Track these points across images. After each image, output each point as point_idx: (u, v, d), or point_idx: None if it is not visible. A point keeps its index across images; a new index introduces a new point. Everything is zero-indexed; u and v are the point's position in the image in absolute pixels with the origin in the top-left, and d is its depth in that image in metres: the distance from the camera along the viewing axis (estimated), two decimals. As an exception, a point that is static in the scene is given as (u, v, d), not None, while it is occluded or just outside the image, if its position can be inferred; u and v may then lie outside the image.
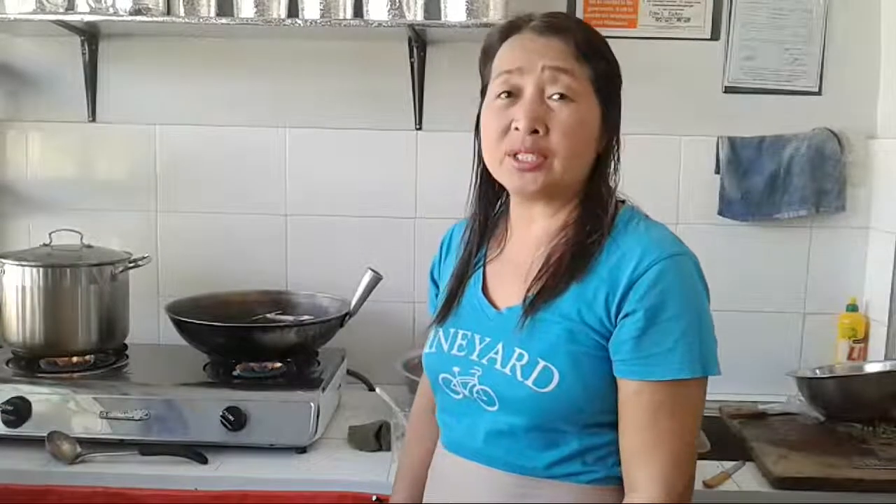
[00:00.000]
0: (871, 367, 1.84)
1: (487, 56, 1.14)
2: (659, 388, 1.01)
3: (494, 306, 1.13)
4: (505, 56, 1.10)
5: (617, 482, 1.06)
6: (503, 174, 1.10)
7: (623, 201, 1.13)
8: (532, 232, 1.14)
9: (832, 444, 1.66)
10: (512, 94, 1.07)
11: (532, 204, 1.13)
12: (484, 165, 1.15)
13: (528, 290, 1.08)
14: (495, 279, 1.16)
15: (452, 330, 1.16)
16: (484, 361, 1.09)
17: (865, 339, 1.99)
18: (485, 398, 1.09)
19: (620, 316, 1.02)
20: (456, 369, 1.12)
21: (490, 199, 1.20)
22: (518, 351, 1.06)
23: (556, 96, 1.05)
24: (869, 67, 2.00)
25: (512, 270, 1.13)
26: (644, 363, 1.01)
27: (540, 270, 1.08)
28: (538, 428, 1.05)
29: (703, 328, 1.03)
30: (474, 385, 1.09)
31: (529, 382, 1.04)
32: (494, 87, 1.10)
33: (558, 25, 1.08)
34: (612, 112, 1.10)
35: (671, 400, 1.01)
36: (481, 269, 1.18)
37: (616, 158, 1.12)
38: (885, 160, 1.96)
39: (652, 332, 1.00)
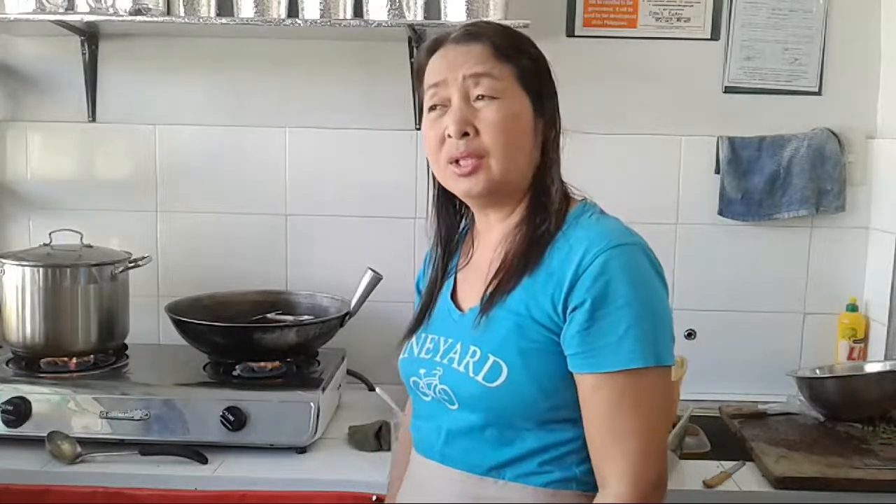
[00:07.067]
0: (871, 367, 1.84)
1: (419, 76, 1.18)
2: (615, 379, 1.00)
3: (460, 309, 1.16)
4: (430, 71, 1.14)
5: (576, 485, 1.06)
6: (449, 182, 1.14)
7: (584, 199, 1.15)
8: (492, 237, 1.17)
9: (832, 444, 1.66)
10: (442, 106, 1.11)
11: (486, 210, 1.17)
12: (439, 182, 1.19)
13: (485, 290, 1.11)
14: (463, 285, 1.19)
15: (423, 335, 1.19)
16: (445, 361, 1.12)
17: (865, 339, 1.99)
18: (446, 397, 1.11)
19: (569, 310, 1.02)
20: (422, 371, 1.15)
21: (450, 215, 1.24)
22: (472, 348, 1.08)
23: (480, 98, 1.09)
24: (869, 67, 2.00)
25: (476, 275, 1.16)
26: (595, 355, 1.01)
27: (497, 270, 1.11)
28: (494, 424, 1.07)
29: (656, 316, 1.02)
30: (436, 385, 1.12)
31: (480, 378, 1.06)
32: (426, 101, 1.14)
33: (475, 32, 1.13)
34: (545, 105, 1.13)
35: (630, 391, 1.00)
36: (452, 278, 1.21)
37: (557, 149, 1.14)
38: (885, 160, 1.96)
39: (600, 322, 1.00)
